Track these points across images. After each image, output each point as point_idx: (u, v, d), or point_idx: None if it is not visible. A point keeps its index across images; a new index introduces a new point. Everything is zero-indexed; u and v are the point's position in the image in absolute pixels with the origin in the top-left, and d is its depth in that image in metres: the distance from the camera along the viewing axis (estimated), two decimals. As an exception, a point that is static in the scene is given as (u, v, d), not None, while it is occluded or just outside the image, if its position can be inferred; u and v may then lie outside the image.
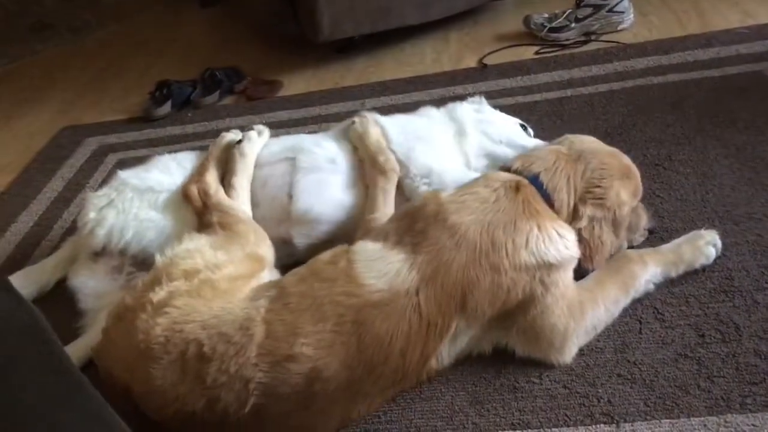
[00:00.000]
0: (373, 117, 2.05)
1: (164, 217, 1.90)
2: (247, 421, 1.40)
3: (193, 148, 2.48)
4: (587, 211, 1.58)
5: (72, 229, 2.33)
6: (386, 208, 1.86)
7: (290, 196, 1.91)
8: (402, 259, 1.46)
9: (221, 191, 1.92)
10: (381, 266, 1.47)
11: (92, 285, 1.90)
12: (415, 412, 1.52)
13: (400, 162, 1.93)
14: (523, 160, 1.65)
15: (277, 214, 1.92)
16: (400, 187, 1.92)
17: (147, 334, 1.45)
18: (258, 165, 2.00)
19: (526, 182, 1.57)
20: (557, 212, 1.58)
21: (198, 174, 1.96)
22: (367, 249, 1.53)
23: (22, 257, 2.33)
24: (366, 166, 1.95)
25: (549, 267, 1.48)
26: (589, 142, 1.72)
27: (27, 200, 2.68)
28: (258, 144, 2.03)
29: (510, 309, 1.48)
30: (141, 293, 1.56)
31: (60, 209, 2.58)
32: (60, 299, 1.97)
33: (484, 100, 2.19)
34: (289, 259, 1.87)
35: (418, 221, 1.53)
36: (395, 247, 1.50)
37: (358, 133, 2.00)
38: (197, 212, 1.87)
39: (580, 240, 1.57)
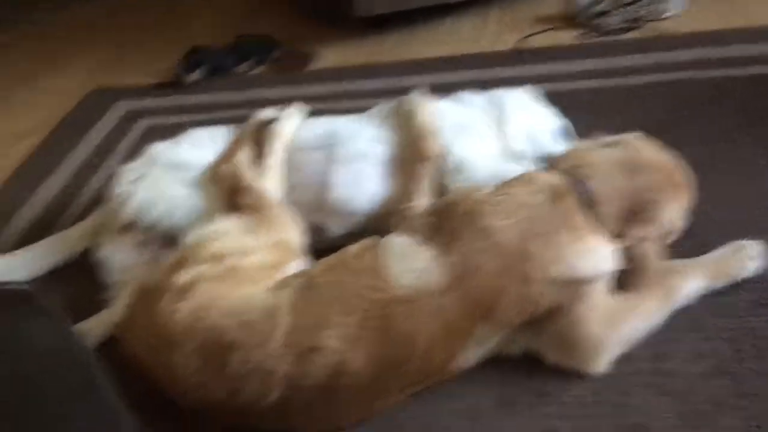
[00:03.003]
0: (424, 97, 1.98)
1: (194, 195, 1.87)
2: (270, 412, 1.39)
3: (222, 118, 2.46)
4: (634, 232, 1.53)
5: (99, 198, 2.31)
6: (424, 196, 1.82)
7: (327, 186, 1.88)
8: (430, 258, 1.42)
9: (253, 172, 1.88)
10: (409, 263, 1.43)
11: (118, 258, 1.89)
12: (439, 410, 1.49)
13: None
14: (575, 160, 1.58)
15: (312, 201, 1.88)
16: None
17: (169, 318, 1.43)
18: (293, 148, 1.96)
19: (571, 189, 1.50)
20: (600, 224, 1.51)
21: (229, 153, 1.92)
22: (396, 243, 1.50)
23: (47, 224, 2.32)
24: (408, 150, 1.89)
25: (582, 282, 1.44)
26: (648, 151, 1.63)
27: (53, 165, 2.67)
28: (293, 125, 1.99)
29: (539, 317, 1.45)
30: (166, 273, 1.53)
31: (87, 176, 2.56)
32: (84, 269, 1.97)
33: (538, 92, 2.12)
34: (320, 244, 1.84)
35: (450, 219, 1.48)
36: (424, 244, 1.46)
37: (405, 111, 1.94)
38: (227, 193, 1.83)
39: (624, 258, 1.52)
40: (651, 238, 1.55)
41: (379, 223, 1.83)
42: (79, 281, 1.95)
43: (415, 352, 1.39)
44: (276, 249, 1.63)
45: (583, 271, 1.44)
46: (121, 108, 3.02)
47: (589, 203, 1.50)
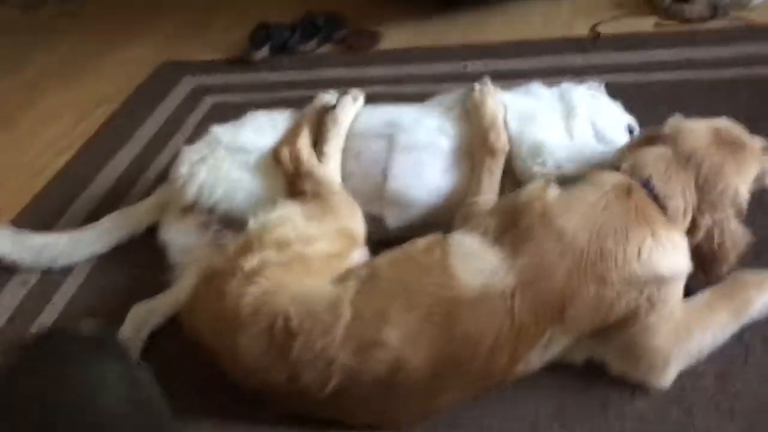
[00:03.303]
0: (493, 89, 1.94)
1: (254, 178, 1.88)
2: (327, 401, 1.40)
3: (287, 98, 2.47)
4: (705, 221, 1.48)
5: (165, 174, 2.35)
6: (490, 191, 1.79)
7: (385, 175, 1.85)
8: (501, 259, 1.40)
9: (314, 157, 1.88)
10: (478, 263, 1.41)
11: (182, 239, 1.92)
12: (496, 414, 1.47)
13: (510, 141, 1.84)
14: (634, 160, 1.53)
15: (370, 190, 1.87)
16: (509, 170, 1.83)
17: (236, 301, 1.45)
18: (352, 135, 1.94)
19: (637, 186, 1.47)
20: (670, 220, 1.47)
21: (291, 137, 1.92)
22: (464, 242, 1.48)
23: (117, 196, 2.38)
24: (474, 142, 1.86)
25: (660, 281, 1.40)
26: (694, 136, 1.55)
27: (125, 137, 2.72)
28: (352, 111, 1.97)
29: (610, 323, 1.41)
30: (232, 258, 1.55)
31: (155, 151, 2.60)
32: (149, 246, 2.01)
33: (602, 88, 2.05)
34: (376, 235, 1.82)
35: (521, 219, 1.45)
36: (495, 244, 1.44)
37: (475, 102, 1.90)
38: (288, 177, 1.85)
39: (697, 251, 1.48)
40: (724, 220, 1.50)
41: (440, 218, 1.81)
42: (144, 258, 2.00)
43: (478, 353, 1.37)
44: (339, 237, 1.63)
45: (662, 267, 1.40)
46: (189, 83, 3.05)
47: (657, 200, 1.47)
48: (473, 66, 2.75)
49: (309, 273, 1.51)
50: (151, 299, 1.83)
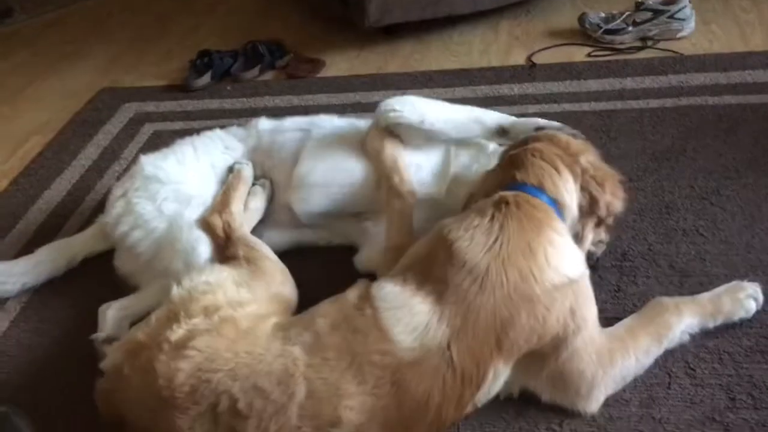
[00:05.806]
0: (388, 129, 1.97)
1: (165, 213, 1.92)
2: None
3: (227, 125, 2.45)
4: (580, 167, 1.63)
5: (102, 204, 2.31)
6: (406, 235, 1.82)
7: (295, 161, 2.00)
8: (429, 311, 1.40)
9: (246, 226, 1.91)
10: (408, 318, 1.40)
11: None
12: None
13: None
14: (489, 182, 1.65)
15: (284, 179, 2.01)
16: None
17: (169, 379, 1.37)
18: (281, 131, 2.11)
19: (514, 195, 1.52)
20: (562, 206, 1.57)
21: (222, 204, 1.93)
22: (388, 293, 1.46)
23: (53, 227, 2.35)
24: (382, 186, 1.90)
25: (573, 284, 1.44)
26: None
27: (62, 166, 2.69)
28: (262, 198, 2.04)
29: (544, 347, 1.43)
30: (156, 330, 1.48)
31: (93, 179, 2.58)
32: (85, 275, 2.04)
33: None
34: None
35: (433, 267, 1.46)
36: (417, 293, 1.43)
37: (374, 147, 1.94)
38: (217, 244, 1.85)
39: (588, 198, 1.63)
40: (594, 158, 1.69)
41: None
42: (81, 285, 2.02)
43: (428, 411, 1.38)
44: (271, 303, 1.62)
45: (569, 272, 1.45)
46: (129, 110, 3.02)
47: (535, 194, 1.55)
48: (412, 95, 2.79)
49: (241, 336, 1.45)
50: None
